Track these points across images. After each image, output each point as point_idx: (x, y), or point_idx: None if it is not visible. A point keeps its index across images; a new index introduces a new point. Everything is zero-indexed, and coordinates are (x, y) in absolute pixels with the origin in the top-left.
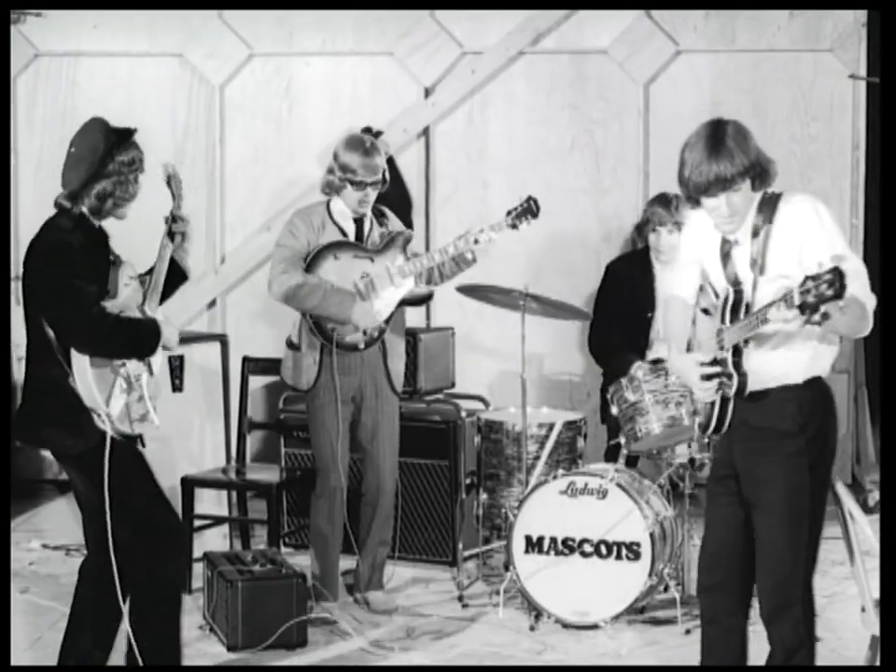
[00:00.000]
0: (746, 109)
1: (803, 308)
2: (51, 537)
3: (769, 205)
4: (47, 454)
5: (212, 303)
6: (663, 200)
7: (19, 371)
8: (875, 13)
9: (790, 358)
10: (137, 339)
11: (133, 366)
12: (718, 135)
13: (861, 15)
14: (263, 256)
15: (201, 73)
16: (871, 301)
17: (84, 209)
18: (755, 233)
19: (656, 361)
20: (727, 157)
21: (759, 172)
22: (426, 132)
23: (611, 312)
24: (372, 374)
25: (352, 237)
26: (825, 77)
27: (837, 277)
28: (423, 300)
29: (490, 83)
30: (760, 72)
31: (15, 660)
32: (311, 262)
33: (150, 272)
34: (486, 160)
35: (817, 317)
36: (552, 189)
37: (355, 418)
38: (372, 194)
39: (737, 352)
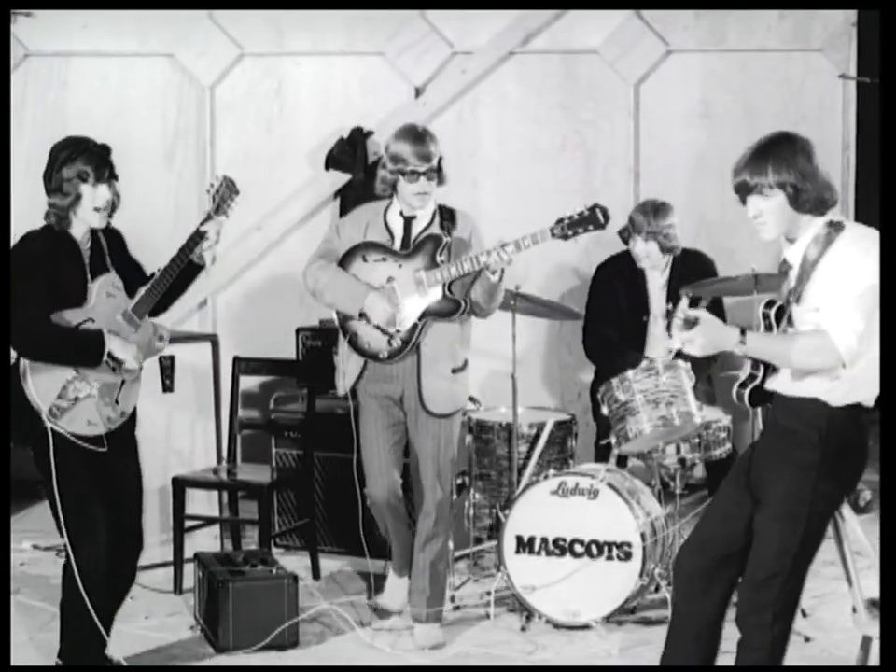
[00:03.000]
0: (736, 109)
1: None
2: (42, 537)
3: (828, 238)
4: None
5: (203, 303)
6: (643, 208)
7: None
8: (865, 13)
9: (827, 379)
10: (72, 350)
11: (85, 372)
12: (763, 145)
13: (851, 15)
14: (254, 256)
15: (191, 73)
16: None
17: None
18: (803, 262)
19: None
20: (755, 166)
21: (792, 191)
22: None
23: (605, 312)
24: (411, 389)
25: (398, 238)
26: (815, 76)
27: None
28: (451, 312)
29: (480, 83)
30: (750, 72)
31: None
32: (342, 262)
33: (151, 279)
34: (477, 159)
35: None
36: (542, 188)
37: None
38: (428, 185)
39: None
